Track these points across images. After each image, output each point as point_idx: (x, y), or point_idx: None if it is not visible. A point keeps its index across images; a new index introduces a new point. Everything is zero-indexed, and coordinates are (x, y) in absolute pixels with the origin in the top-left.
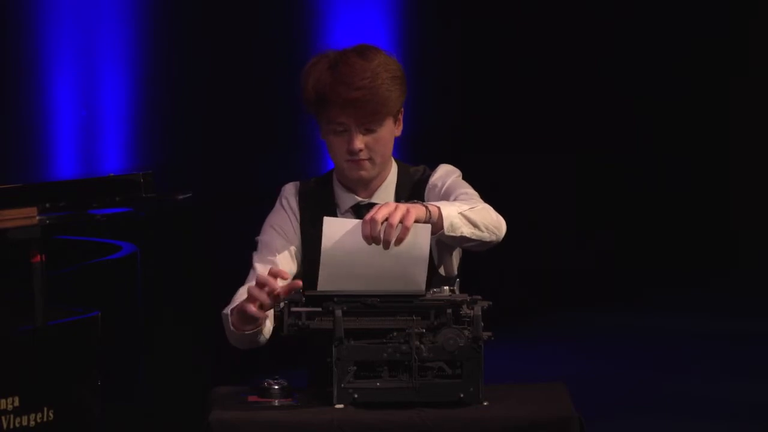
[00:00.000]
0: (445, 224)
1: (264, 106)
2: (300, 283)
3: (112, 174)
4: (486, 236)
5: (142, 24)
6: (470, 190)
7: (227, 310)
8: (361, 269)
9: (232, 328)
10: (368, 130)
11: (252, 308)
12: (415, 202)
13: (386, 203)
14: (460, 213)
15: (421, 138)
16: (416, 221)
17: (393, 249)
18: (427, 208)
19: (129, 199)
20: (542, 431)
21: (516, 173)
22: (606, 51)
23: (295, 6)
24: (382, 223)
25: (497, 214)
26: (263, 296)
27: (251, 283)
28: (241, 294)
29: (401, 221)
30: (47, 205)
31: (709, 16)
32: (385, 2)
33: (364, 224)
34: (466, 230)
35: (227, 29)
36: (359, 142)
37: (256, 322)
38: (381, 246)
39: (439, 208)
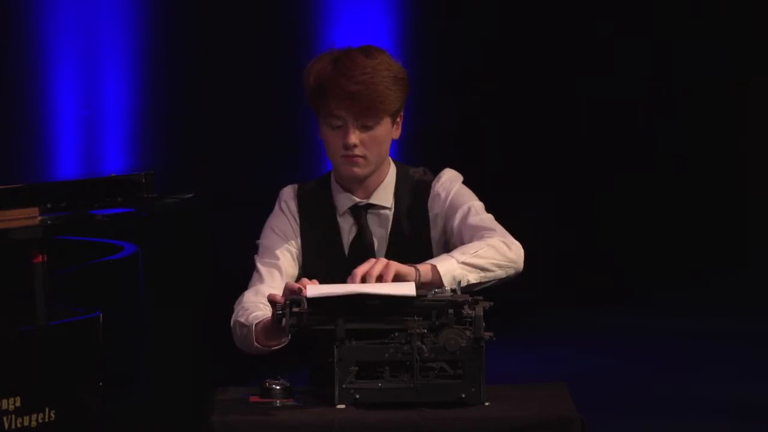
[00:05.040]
0: (445, 280)
1: (265, 107)
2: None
3: (113, 174)
4: (500, 274)
5: (143, 24)
6: (477, 203)
7: (239, 318)
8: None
9: (256, 344)
10: (365, 127)
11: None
12: (410, 265)
13: (368, 260)
14: (462, 263)
15: (420, 139)
16: (401, 278)
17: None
18: (416, 270)
19: (130, 199)
20: (543, 431)
21: (516, 172)
22: (607, 49)
23: (297, 6)
24: (362, 278)
25: (512, 241)
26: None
27: (257, 287)
28: (248, 299)
29: (381, 275)
30: (49, 205)
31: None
32: (387, 2)
33: (348, 280)
34: (473, 277)
35: (228, 29)
36: (354, 137)
37: (281, 338)
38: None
39: (434, 266)
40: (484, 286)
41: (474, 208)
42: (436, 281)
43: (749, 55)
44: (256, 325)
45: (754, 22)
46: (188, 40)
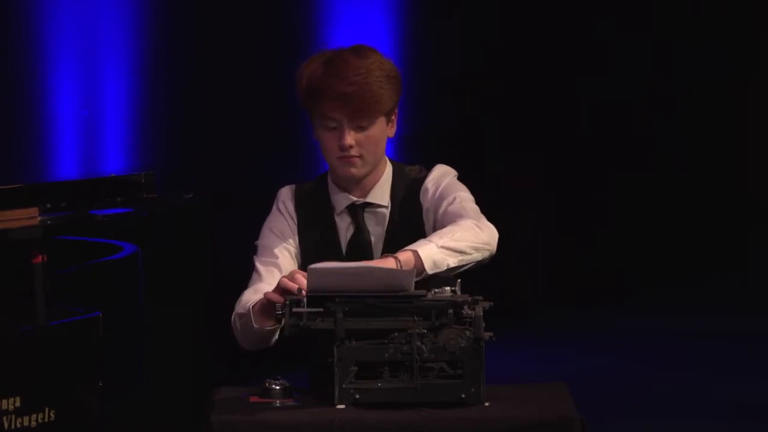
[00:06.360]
0: (427, 265)
1: (265, 107)
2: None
3: (113, 174)
4: (477, 257)
5: (143, 24)
6: (463, 193)
7: (238, 311)
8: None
9: (255, 325)
10: (360, 128)
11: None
12: (386, 256)
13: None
14: (441, 247)
15: (420, 139)
16: None
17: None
18: (397, 260)
19: (130, 199)
20: (543, 431)
21: (516, 172)
22: (607, 49)
23: (297, 6)
24: None
25: (485, 224)
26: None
27: (257, 285)
28: (248, 298)
29: None
30: (48, 205)
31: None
32: (387, 2)
33: None
34: (452, 260)
35: (228, 29)
36: (350, 138)
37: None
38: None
39: (415, 251)
40: (461, 269)
41: (459, 198)
42: (418, 267)
43: (749, 55)
44: (253, 307)
45: (754, 22)
46: (188, 40)
